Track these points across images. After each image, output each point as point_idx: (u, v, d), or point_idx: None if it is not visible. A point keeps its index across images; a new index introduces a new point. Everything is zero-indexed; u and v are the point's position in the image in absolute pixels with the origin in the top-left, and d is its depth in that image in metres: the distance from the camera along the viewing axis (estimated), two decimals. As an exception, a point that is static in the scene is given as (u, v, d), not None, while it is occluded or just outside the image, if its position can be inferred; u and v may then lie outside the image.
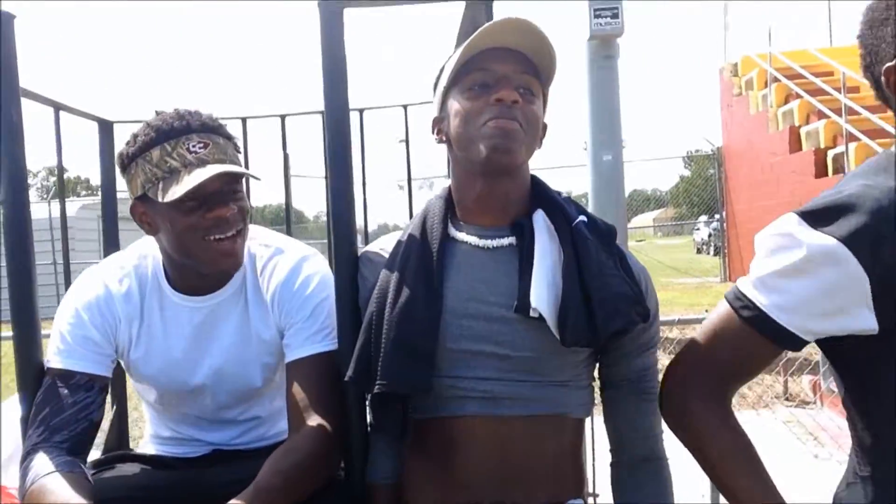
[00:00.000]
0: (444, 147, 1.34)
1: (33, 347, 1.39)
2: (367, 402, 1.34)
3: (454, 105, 1.26)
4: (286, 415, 1.58)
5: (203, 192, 1.32)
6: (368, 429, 1.37)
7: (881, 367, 1.04)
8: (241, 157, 1.47)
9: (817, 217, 1.02)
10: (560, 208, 1.29)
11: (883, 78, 1.08)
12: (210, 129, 1.38)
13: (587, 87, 6.12)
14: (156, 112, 1.41)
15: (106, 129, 2.26)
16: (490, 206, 1.29)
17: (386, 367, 1.20)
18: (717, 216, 14.62)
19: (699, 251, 21.96)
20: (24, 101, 1.78)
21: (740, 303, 1.10)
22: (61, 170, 2.22)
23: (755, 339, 1.08)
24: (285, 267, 1.47)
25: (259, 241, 1.52)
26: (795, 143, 9.84)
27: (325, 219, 2.59)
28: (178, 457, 1.57)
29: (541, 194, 1.32)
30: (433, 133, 1.35)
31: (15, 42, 1.38)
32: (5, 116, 1.37)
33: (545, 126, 1.31)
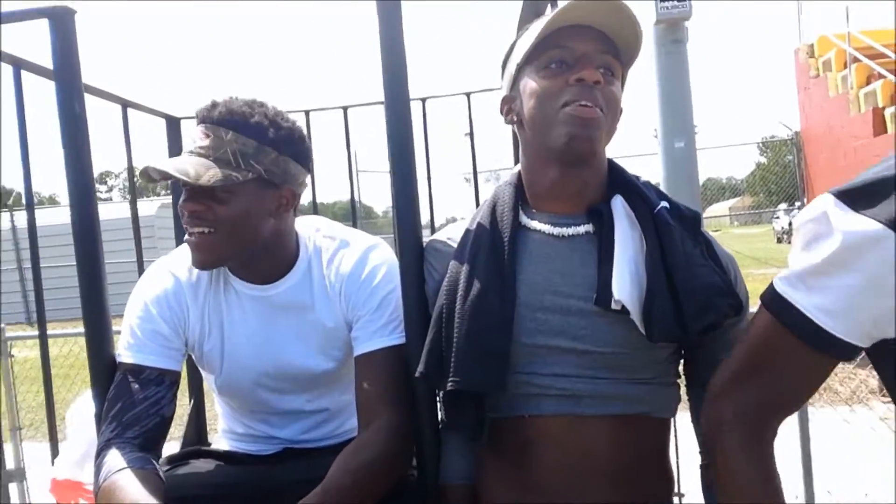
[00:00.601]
0: (509, 138, 1.27)
1: (105, 343, 1.38)
2: (438, 399, 1.28)
3: (529, 84, 1.18)
4: (355, 411, 1.55)
5: (182, 184, 1.32)
6: (440, 426, 1.32)
7: None
8: (275, 158, 1.36)
9: (857, 197, 0.87)
10: (640, 193, 1.21)
11: None
12: (222, 122, 1.33)
13: (655, 72, 5.94)
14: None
15: (173, 125, 2.29)
16: (565, 192, 1.21)
17: (458, 363, 1.14)
18: (797, 204, 14.07)
19: (779, 240, 21.20)
20: (94, 100, 1.80)
21: (777, 305, 0.94)
22: (131, 167, 2.24)
23: (800, 350, 0.92)
24: (352, 258, 1.43)
25: (324, 233, 1.49)
26: (880, 126, 9.35)
27: (376, 211, 2.56)
28: (250, 453, 1.56)
29: (618, 179, 1.24)
30: (502, 113, 1.28)
31: (76, 36, 1.38)
32: (68, 109, 1.37)
33: (621, 110, 1.22)
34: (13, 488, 3.06)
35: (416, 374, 1.21)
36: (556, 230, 1.21)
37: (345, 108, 2.34)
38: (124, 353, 1.37)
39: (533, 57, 1.18)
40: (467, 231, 1.25)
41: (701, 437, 1.08)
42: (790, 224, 19.12)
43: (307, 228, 1.50)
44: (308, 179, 1.49)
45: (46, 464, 1.71)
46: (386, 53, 1.28)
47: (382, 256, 1.44)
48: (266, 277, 1.44)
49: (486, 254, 1.18)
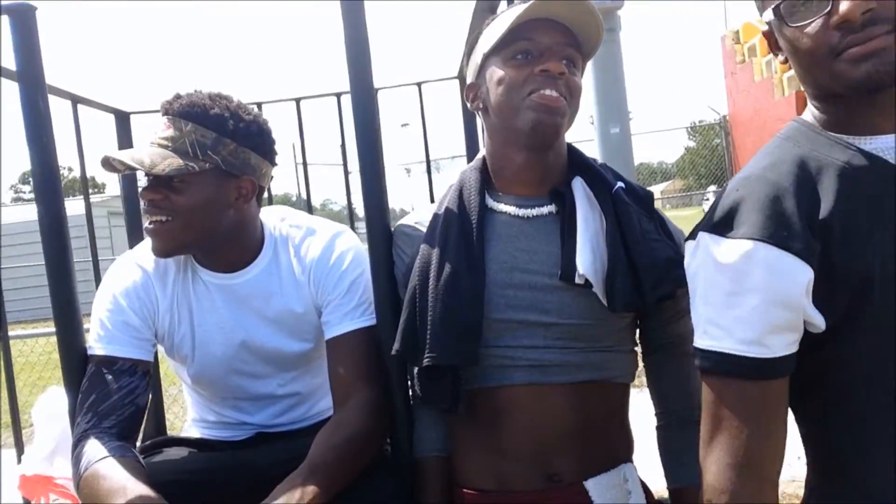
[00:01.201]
0: (448, 128, 1.34)
1: (76, 337, 1.40)
2: (411, 377, 1.34)
3: (496, 73, 1.25)
4: (326, 393, 1.60)
5: (148, 175, 1.37)
6: (411, 402, 1.38)
7: (827, 369, 0.96)
8: (234, 149, 1.40)
9: (725, 224, 0.94)
10: (598, 175, 1.29)
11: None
12: (182, 114, 1.37)
13: (591, 61, 6.08)
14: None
15: (123, 120, 2.27)
16: (530, 176, 1.29)
17: (434, 340, 1.20)
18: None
19: (708, 222, 21.87)
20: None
21: (709, 361, 0.95)
22: (83, 164, 2.23)
23: (751, 389, 0.93)
24: (319, 245, 1.47)
25: (290, 221, 1.53)
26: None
27: (331, 206, 2.61)
28: (222, 440, 1.59)
29: (578, 162, 1.32)
30: (467, 100, 1.34)
31: (38, 33, 1.38)
32: (33, 107, 1.37)
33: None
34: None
35: (392, 353, 1.27)
36: (522, 211, 1.28)
37: (297, 100, 2.37)
38: (96, 345, 1.38)
39: (500, 48, 1.24)
40: (436, 215, 1.31)
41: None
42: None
43: (272, 218, 1.54)
44: (272, 171, 1.53)
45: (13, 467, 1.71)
46: (350, 46, 1.32)
47: (349, 242, 1.49)
48: (231, 266, 1.47)
49: (456, 235, 1.25)
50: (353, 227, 2.00)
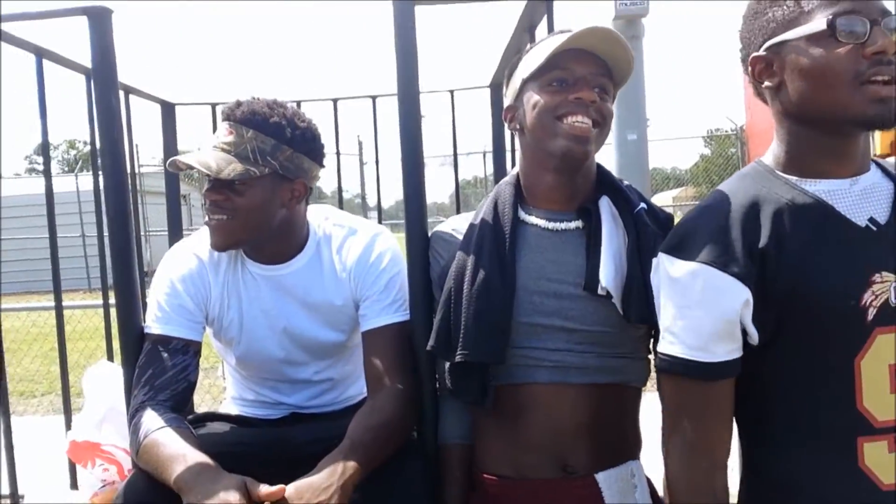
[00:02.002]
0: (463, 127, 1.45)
1: (134, 316, 1.53)
2: (440, 371, 1.45)
3: (532, 97, 1.36)
4: (356, 380, 1.73)
5: (206, 175, 1.48)
6: (438, 394, 1.50)
7: (757, 377, 1.11)
8: (291, 154, 1.52)
9: (679, 247, 1.09)
10: (623, 195, 1.41)
11: (750, 67, 1.12)
12: (244, 121, 1.49)
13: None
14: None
15: (168, 110, 2.39)
16: (559, 194, 1.40)
17: (466, 338, 1.33)
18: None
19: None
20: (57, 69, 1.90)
21: (667, 364, 1.11)
22: (133, 152, 2.34)
23: (700, 388, 1.09)
24: (360, 245, 1.59)
25: (333, 221, 1.65)
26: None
27: (343, 193, 2.72)
28: (260, 418, 1.72)
29: (605, 181, 1.44)
30: (505, 120, 1.46)
31: (113, 34, 1.50)
32: (105, 104, 1.49)
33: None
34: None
35: (428, 349, 1.39)
36: (551, 225, 1.40)
37: (335, 101, 2.48)
38: (153, 324, 1.51)
39: (537, 75, 1.35)
40: (472, 225, 1.43)
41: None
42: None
43: (317, 217, 1.66)
44: (321, 172, 1.64)
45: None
46: (400, 52, 1.43)
47: (387, 243, 1.61)
48: (277, 258, 1.59)
49: (490, 244, 1.37)
50: (365, 215, 2.14)
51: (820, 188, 1.09)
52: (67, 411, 1.92)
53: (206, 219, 1.52)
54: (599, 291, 1.31)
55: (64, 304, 1.90)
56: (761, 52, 1.11)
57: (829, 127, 1.07)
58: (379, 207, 2.82)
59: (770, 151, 1.16)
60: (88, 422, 1.73)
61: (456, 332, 1.35)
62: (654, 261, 1.16)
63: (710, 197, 1.14)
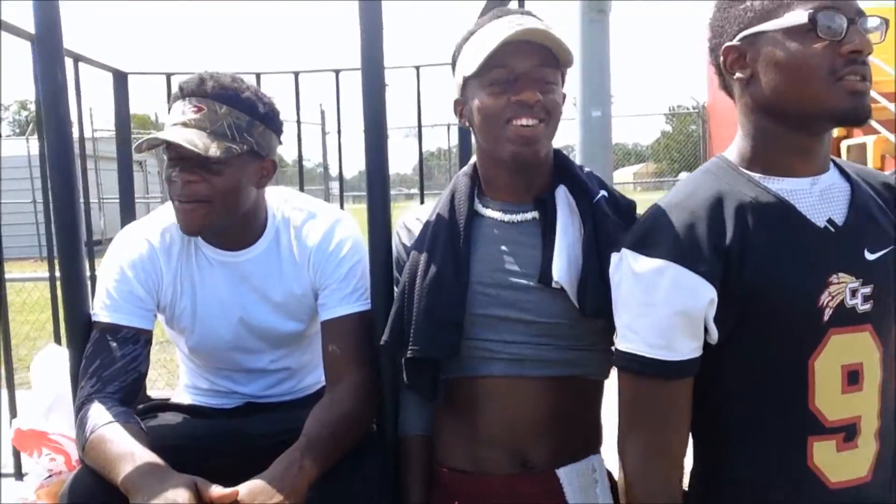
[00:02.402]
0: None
1: (81, 302, 1.45)
2: (398, 365, 1.42)
3: (476, 99, 1.32)
4: (313, 369, 1.69)
5: (179, 156, 1.39)
6: (398, 386, 1.47)
7: (715, 375, 1.10)
8: (263, 131, 1.47)
9: (643, 243, 1.08)
10: (581, 184, 1.37)
11: (721, 57, 1.11)
12: (215, 96, 1.41)
13: (578, 42, 6.07)
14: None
15: (121, 79, 2.30)
16: (514, 188, 1.38)
17: (417, 334, 1.31)
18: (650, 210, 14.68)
19: (678, 207, 22.09)
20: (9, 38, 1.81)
21: (624, 361, 1.10)
22: (81, 118, 2.25)
23: (660, 387, 1.08)
24: (319, 230, 1.54)
25: (292, 204, 1.59)
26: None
27: (304, 163, 2.68)
28: (214, 407, 1.66)
29: (563, 169, 1.40)
30: (456, 114, 1.42)
31: (59, 5, 1.40)
32: (50, 76, 1.40)
33: (564, 96, 1.37)
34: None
35: (381, 343, 1.37)
36: (507, 217, 1.37)
37: (296, 74, 2.41)
38: (101, 312, 1.44)
39: (478, 73, 1.30)
40: (430, 217, 1.40)
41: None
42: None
43: (276, 199, 1.59)
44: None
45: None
46: (365, 27, 1.37)
47: (348, 230, 1.55)
48: (235, 244, 1.53)
49: (444, 237, 1.34)
50: (327, 185, 2.09)
51: (782, 187, 1.09)
52: (11, 388, 1.84)
53: (174, 201, 1.43)
54: (553, 285, 1.29)
55: (13, 274, 1.81)
56: (735, 42, 1.09)
57: (799, 122, 1.07)
58: (341, 178, 2.80)
59: (733, 147, 1.15)
60: (35, 409, 1.67)
61: (408, 327, 1.32)
62: (615, 255, 1.14)
63: (674, 193, 1.13)
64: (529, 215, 1.37)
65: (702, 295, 1.05)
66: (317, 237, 1.53)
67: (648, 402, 1.11)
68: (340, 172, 3.07)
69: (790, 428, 1.08)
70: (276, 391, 1.67)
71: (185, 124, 1.39)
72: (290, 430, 1.36)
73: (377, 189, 1.42)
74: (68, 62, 2.08)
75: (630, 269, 1.09)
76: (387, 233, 1.44)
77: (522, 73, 1.28)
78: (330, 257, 1.52)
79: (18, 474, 1.84)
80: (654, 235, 1.07)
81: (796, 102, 1.05)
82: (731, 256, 1.05)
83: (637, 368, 1.09)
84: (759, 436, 1.10)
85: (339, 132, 2.74)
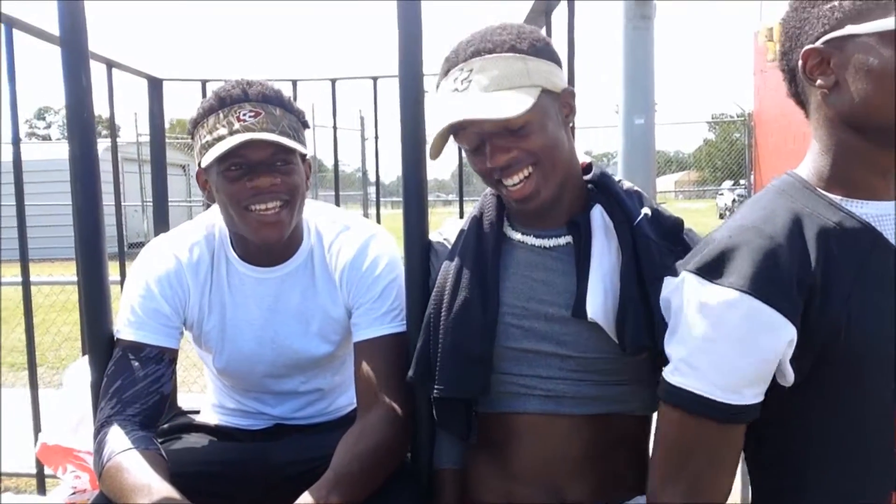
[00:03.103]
0: None
1: (103, 317, 1.38)
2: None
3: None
4: (346, 390, 1.60)
5: (247, 161, 1.32)
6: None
7: (785, 419, 1.00)
8: (308, 131, 1.46)
9: (712, 269, 0.95)
10: (620, 203, 1.24)
11: (800, 62, 0.99)
12: (266, 100, 1.36)
13: (622, 48, 5.96)
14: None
15: (155, 85, 2.26)
16: (542, 216, 1.27)
17: (443, 372, 1.21)
18: (742, 182, 14.44)
19: (722, 216, 21.76)
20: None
21: (676, 397, 0.97)
22: (113, 125, 2.22)
23: (712, 430, 0.96)
24: (353, 246, 1.45)
25: (326, 217, 1.51)
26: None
27: (343, 168, 2.64)
28: (241, 428, 1.58)
29: (601, 187, 1.27)
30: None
31: (84, 7, 1.35)
32: (75, 80, 1.34)
33: (571, 93, 1.24)
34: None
35: (407, 379, 1.28)
36: (539, 241, 1.27)
37: (333, 81, 2.35)
38: (125, 329, 1.37)
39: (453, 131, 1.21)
40: (456, 241, 1.30)
41: None
42: (733, 201, 19.64)
43: (310, 212, 1.52)
44: (320, 146, 1.52)
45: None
46: (404, 34, 1.28)
47: (383, 246, 1.47)
48: (270, 259, 1.45)
49: (471, 265, 1.24)
50: (365, 190, 2.03)
51: (867, 211, 0.97)
52: (34, 387, 1.79)
53: (248, 211, 1.34)
54: (589, 318, 1.17)
55: (56, 277, 1.79)
56: (818, 45, 0.96)
57: (888, 137, 0.93)
58: (377, 185, 2.81)
59: (807, 164, 1.03)
60: (63, 424, 1.61)
61: (435, 363, 1.23)
62: (670, 280, 1.02)
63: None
64: (563, 240, 1.26)
65: (781, 334, 0.92)
66: (350, 253, 1.45)
67: (698, 444, 0.97)
68: (377, 180, 3.06)
69: (872, 479, 0.96)
70: (307, 413, 1.59)
71: (249, 129, 1.32)
72: (318, 459, 1.28)
73: (414, 206, 1.33)
74: (102, 68, 2.05)
75: (694, 296, 0.96)
76: (423, 253, 1.35)
77: (490, 141, 1.19)
78: (364, 275, 1.43)
79: (41, 489, 1.78)
80: (727, 261, 0.94)
81: (887, 115, 0.92)
82: (814, 290, 0.93)
83: (690, 407, 0.96)
84: (837, 487, 0.98)
85: (375, 139, 2.69)
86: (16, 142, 1.75)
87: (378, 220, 2.58)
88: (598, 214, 1.24)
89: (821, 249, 0.94)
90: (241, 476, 1.42)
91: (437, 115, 1.20)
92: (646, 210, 1.25)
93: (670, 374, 0.99)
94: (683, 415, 0.97)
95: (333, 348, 1.51)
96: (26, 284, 1.79)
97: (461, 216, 2.60)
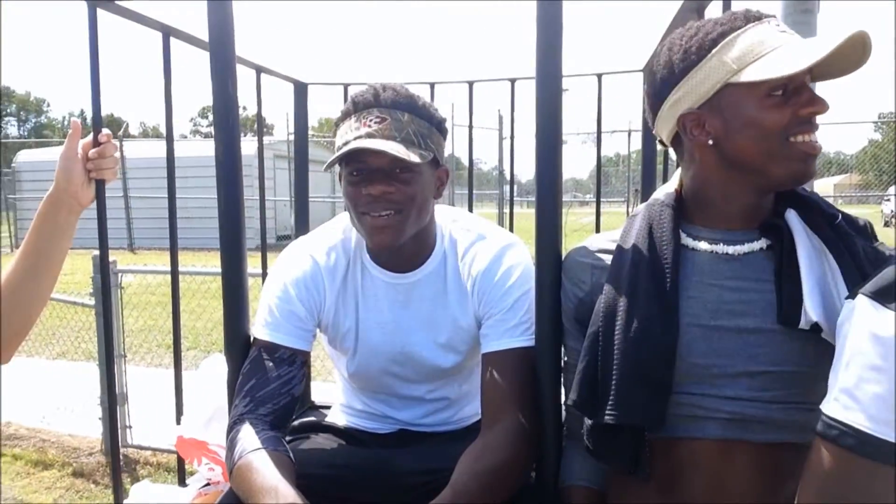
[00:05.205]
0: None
1: (241, 319, 1.43)
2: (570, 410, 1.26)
3: (744, 110, 1.09)
4: (472, 399, 1.58)
5: (368, 167, 1.33)
6: (564, 431, 1.32)
7: None
8: (439, 139, 1.42)
9: (887, 293, 0.84)
10: (814, 206, 1.14)
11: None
12: (396, 105, 1.34)
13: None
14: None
15: (300, 90, 2.33)
16: (743, 212, 1.16)
17: (619, 396, 1.10)
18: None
19: (887, 224, 20.01)
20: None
21: (835, 432, 0.87)
22: (261, 126, 2.31)
23: (874, 470, 0.84)
24: (487, 255, 1.42)
25: (461, 224, 1.49)
26: None
27: (481, 166, 2.62)
28: (366, 431, 1.59)
29: (788, 192, 1.17)
30: (684, 130, 1.17)
31: (233, 16, 1.39)
32: (222, 89, 1.38)
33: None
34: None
35: (568, 403, 1.19)
36: (730, 248, 1.15)
37: (470, 83, 2.33)
38: (261, 330, 1.41)
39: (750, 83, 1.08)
40: (622, 252, 1.19)
41: None
42: (901, 208, 17.99)
43: (444, 218, 1.50)
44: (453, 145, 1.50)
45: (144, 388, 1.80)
46: (542, 35, 1.22)
47: (518, 256, 1.42)
48: (404, 264, 1.45)
49: (647, 280, 1.13)
50: (501, 189, 2.00)
51: None
52: (179, 395, 1.89)
53: (364, 217, 1.36)
54: (802, 325, 1.05)
55: (209, 268, 1.87)
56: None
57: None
58: (512, 185, 2.80)
59: None
60: (197, 419, 1.68)
61: (604, 387, 1.12)
62: (849, 302, 0.90)
63: None
64: (757, 245, 1.14)
65: None
66: (484, 262, 1.42)
67: (858, 486, 0.86)
68: (512, 179, 3.04)
69: None
70: (432, 420, 1.58)
71: (370, 135, 1.32)
72: (440, 471, 1.25)
73: (548, 218, 1.27)
74: (250, 73, 2.14)
75: (865, 321, 0.86)
76: (557, 266, 1.28)
77: (801, 84, 1.08)
78: (496, 285, 1.39)
79: (182, 481, 1.88)
80: None
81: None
82: None
83: (851, 444, 0.85)
84: None
85: (511, 139, 2.65)
86: (170, 137, 1.86)
87: (511, 218, 2.55)
88: (793, 217, 1.14)
89: None
90: (363, 482, 1.42)
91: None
92: (838, 212, 1.15)
93: (828, 404, 0.89)
94: (841, 451, 0.86)
95: (461, 359, 1.49)
96: (174, 274, 1.90)
97: (597, 217, 2.52)
